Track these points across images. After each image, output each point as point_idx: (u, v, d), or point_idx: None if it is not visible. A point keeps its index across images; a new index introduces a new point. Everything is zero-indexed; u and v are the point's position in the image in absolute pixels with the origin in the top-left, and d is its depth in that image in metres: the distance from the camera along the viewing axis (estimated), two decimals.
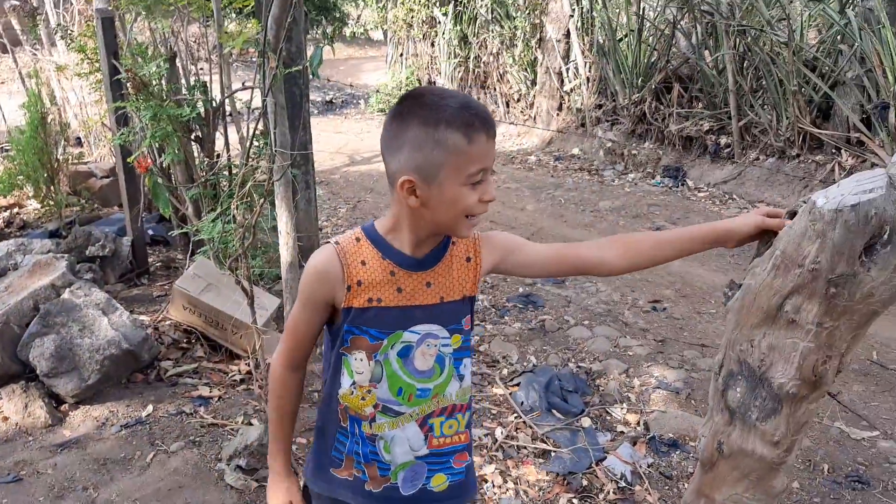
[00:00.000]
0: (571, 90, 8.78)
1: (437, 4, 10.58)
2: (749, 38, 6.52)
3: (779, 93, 6.30)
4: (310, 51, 3.24)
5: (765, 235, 1.20)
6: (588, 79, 8.48)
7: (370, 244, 1.24)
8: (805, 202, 1.07)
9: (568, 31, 8.57)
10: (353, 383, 1.27)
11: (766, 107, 6.57)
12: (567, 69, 8.78)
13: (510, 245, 1.34)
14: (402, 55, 11.94)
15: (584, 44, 8.43)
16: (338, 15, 18.43)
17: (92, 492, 2.32)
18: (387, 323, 1.24)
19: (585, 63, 8.47)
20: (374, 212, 6.09)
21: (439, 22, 10.61)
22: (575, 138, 8.67)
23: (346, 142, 9.52)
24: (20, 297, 3.11)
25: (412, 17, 11.10)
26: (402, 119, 1.15)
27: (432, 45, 11.09)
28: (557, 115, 9.11)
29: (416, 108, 1.14)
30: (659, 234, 1.33)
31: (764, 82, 6.49)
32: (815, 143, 6.23)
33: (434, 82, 11.24)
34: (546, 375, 3.12)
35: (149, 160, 3.70)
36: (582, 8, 8.36)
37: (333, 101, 13.13)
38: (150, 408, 2.78)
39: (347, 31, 18.23)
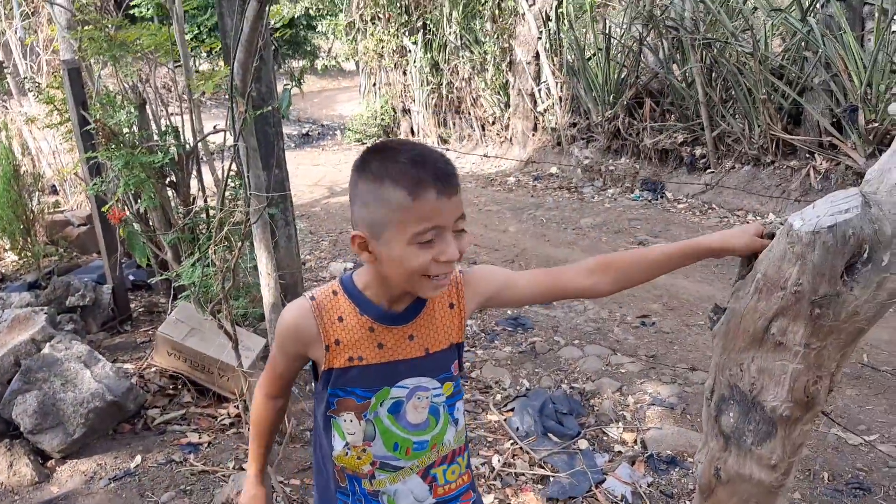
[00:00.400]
0: (545, 110, 8.87)
1: (407, 34, 10.68)
2: (715, 51, 6.64)
3: (749, 102, 6.41)
4: (281, 86, 3.24)
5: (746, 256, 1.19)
6: (560, 98, 8.57)
7: (347, 299, 1.20)
8: (782, 224, 1.07)
9: (537, 52, 8.68)
10: (347, 444, 1.23)
11: (737, 116, 6.68)
12: (539, 90, 8.88)
13: (495, 284, 1.30)
14: (375, 85, 12.02)
15: (553, 64, 8.54)
16: (308, 48, 18.53)
17: None
18: (371, 381, 1.20)
19: (557, 83, 8.57)
20: None
21: (409, 51, 10.71)
22: (552, 157, 8.74)
23: (324, 174, 9.52)
24: (0, 354, 3.06)
25: (382, 48, 11.19)
26: (359, 172, 1.12)
27: (404, 73, 11.17)
28: (533, 135, 9.19)
29: (370, 161, 1.11)
30: (651, 252, 1.29)
31: (733, 92, 6.60)
32: (789, 148, 6.33)
33: (409, 110, 11.31)
34: (540, 399, 3.10)
35: (124, 211, 3.66)
36: (549, 29, 8.48)
37: (310, 133, 13.18)
38: (138, 458, 2.72)
39: (319, 64, 18.33)
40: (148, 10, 3.90)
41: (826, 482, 2.54)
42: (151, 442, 2.83)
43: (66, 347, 2.97)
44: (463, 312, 1.25)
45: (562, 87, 8.56)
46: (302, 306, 1.21)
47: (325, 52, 20.44)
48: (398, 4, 10.61)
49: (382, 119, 11.80)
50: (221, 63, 4.00)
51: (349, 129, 12.30)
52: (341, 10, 12.61)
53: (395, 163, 1.08)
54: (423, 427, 1.23)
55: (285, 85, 2.76)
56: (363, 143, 11.87)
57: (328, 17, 15.39)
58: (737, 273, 1.18)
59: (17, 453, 2.66)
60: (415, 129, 11.30)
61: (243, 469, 2.61)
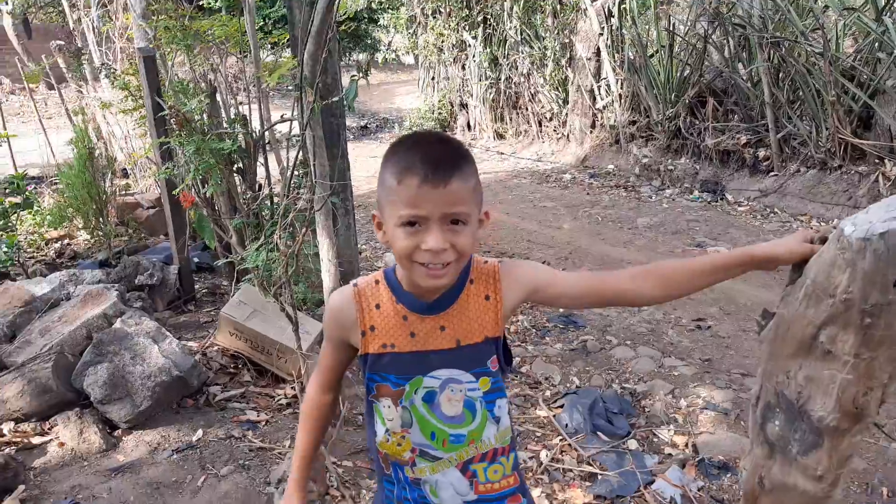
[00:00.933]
0: (604, 107, 8.78)
1: (467, 28, 10.70)
2: (783, 50, 6.47)
3: (817, 103, 6.22)
4: (344, 79, 3.33)
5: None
6: (620, 96, 8.47)
7: (387, 287, 1.24)
8: (834, 228, 1.05)
9: (598, 49, 8.60)
10: (387, 430, 1.26)
11: (804, 118, 6.49)
12: (599, 87, 8.79)
13: (537, 280, 1.28)
14: (433, 79, 12.08)
15: (614, 61, 8.44)
16: (369, 42, 18.71)
17: None
18: (404, 368, 1.23)
19: (617, 80, 8.47)
20: None
21: (469, 45, 10.72)
22: (609, 155, 8.66)
23: None
24: (74, 327, 3.23)
25: (442, 42, 11.24)
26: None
27: (463, 67, 11.20)
28: (591, 132, 9.11)
29: (391, 146, 1.18)
30: (696, 262, 1.25)
31: (801, 93, 6.42)
32: (857, 153, 6.13)
33: (466, 105, 11.34)
34: (590, 397, 3.11)
35: (195, 195, 3.81)
36: (611, 26, 8.38)
37: (368, 125, 13.33)
38: (200, 432, 2.84)
39: (379, 57, 18.50)
40: (216, 0, 4.05)
41: (885, 498, 2.48)
42: (212, 417, 2.96)
43: (136, 323, 3.12)
44: (499, 305, 1.24)
45: (622, 85, 8.46)
46: (344, 293, 1.27)
47: (386, 46, 20.60)
48: None
49: (440, 113, 11.86)
50: (284, 55, 4.12)
51: (408, 123, 12.41)
52: (402, 4, 12.72)
53: (401, 145, 1.14)
54: (458, 420, 1.23)
55: (352, 76, 2.84)
56: None
57: (389, 10, 15.52)
58: (788, 277, 1.17)
59: (87, 421, 2.80)
60: (471, 124, 11.33)
61: None
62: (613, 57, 8.45)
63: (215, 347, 3.44)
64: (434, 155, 1.10)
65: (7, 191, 5.26)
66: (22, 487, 2.46)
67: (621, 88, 8.48)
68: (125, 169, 6.87)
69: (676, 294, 1.27)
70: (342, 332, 1.28)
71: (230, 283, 4.06)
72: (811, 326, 1.08)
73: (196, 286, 4.44)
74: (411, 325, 1.22)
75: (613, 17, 8.34)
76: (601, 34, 8.48)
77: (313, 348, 3.17)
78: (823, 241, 1.09)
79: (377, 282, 1.26)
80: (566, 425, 2.97)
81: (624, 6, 8.29)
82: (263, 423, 2.94)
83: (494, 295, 1.24)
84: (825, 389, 1.08)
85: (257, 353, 3.29)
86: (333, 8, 2.44)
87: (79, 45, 7.18)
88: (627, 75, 8.29)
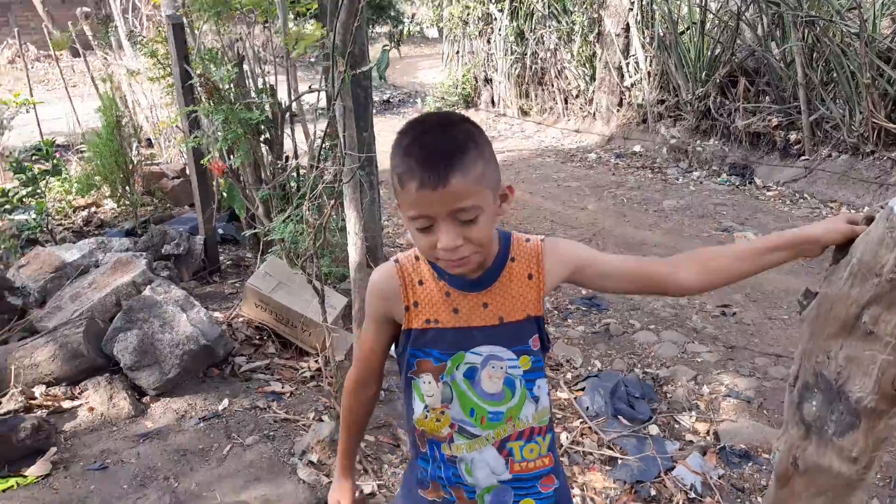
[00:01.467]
0: (632, 85, 8.65)
1: (493, 1, 10.55)
2: (818, 29, 6.32)
3: (851, 86, 6.09)
4: (371, 51, 3.30)
5: None
6: (649, 73, 8.34)
7: (427, 264, 1.25)
8: (882, 207, 1.04)
9: (627, 25, 8.45)
10: (426, 406, 1.27)
11: (838, 101, 6.36)
12: (627, 64, 8.66)
13: (580, 260, 1.27)
14: (458, 53, 11.95)
15: (644, 38, 8.30)
16: (393, 14, 18.54)
17: (173, 481, 2.43)
18: (447, 344, 1.24)
19: (646, 57, 8.33)
20: None
21: (495, 18, 10.59)
22: (636, 135, 8.55)
23: None
24: (103, 294, 3.28)
25: (468, 15, 11.10)
26: None
27: (488, 41, 11.07)
28: (618, 111, 8.99)
29: (397, 136, 1.16)
30: (737, 248, 1.25)
31: (835, 75, 6.28)
32: (891, 138, 6.00)
33: (491, 80, 11.23)
34: (612, 381, 3.10)
35: (224, 164, 3.82)
36: (641, 1, 8.23)
37: (391, 100, 13.22)
38: (225, 402, 2.88)
39: (403, 30, 18.34)
40: None
41: None
42: (238, 388, 3.00)
43: (165, 291, 3.15)
44: (542, 284, 1.24)
45: (651, 62, 8.32)
46: (387, 268, 1.28)
47: (410, 18, 20.39)
48: None
49: (464, 88, 11.76)
50: (307, 26, 4.09)
51: (430, 97, 12.32)
52: None
53: (399, 145, 1.13)
54: (498, 398, 1.24)
55: (384, 46, 2.81)
56: None
57: None
58: (831, 257, 1.15)
59: (117, 387, 2.84)
60: (495, 100, 11.23)
61: (322, 420, 2.75)
62: (643, 33, 8.30)
63: (240, 318, 3.48)
64: (429, 154, 1.08)
65: (35, 158, 5.32)
66: (54, 449, 2.52)
67: (650, 66, 8.34)
68: (149, 139, 6.90)
69: (718, 281, 1.24)
70: (386, 305, 1.28)
71: (255, 256, 4.09)
72: (855, 306, 1.07)
73: (221, 258, 4.48)
74: (454, 301, 1.23)
75: None
76: (631, 9, 8.32)
77: (337, 322, 3.19)
78: (869, 221, 1.08)
79: (417, 258, 1.26)
80: (587, 408, 2.97)
81: None
82: (288, 394, 2.97)
83: (538, 274, 1.24)
84: (865, 370, 1.07)
85: (282, 325, 3.31)
86: None
87: (106, 13, 7.18)
88: (657, 52, 8.14)
